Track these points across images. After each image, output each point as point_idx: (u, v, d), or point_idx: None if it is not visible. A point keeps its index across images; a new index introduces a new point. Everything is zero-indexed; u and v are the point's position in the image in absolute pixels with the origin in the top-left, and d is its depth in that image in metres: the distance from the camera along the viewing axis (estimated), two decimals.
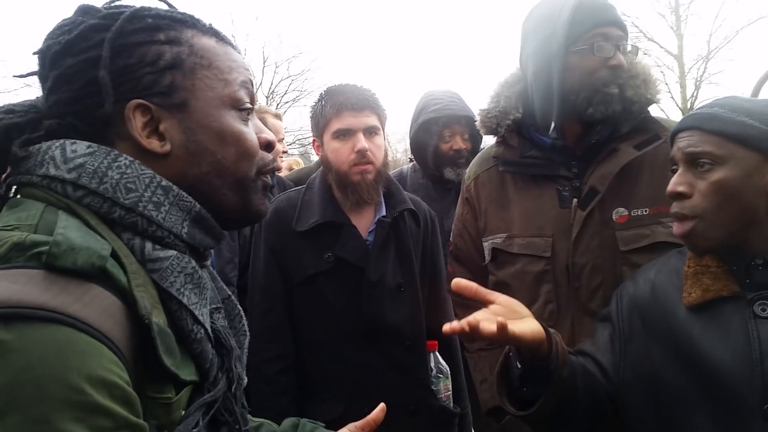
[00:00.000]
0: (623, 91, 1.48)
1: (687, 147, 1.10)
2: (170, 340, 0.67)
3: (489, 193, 1.67)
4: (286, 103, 21.43)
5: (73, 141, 0.71)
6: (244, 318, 0.90)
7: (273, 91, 21.65)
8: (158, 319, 0.66)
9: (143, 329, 0.64)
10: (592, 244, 1.48)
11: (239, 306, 0.90)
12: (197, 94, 0.77)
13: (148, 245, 0.71)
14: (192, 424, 0.69)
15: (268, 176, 0.87)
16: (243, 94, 0.81)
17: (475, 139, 2.62)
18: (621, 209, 1.48)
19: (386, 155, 1.80)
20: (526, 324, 1.06)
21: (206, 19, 0.83)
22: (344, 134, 1.71)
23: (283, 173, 3.73)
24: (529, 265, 1.54)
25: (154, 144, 0.75)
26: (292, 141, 20.61)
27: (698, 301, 1.11)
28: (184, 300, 0.71)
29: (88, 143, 0.71)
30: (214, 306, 0.81)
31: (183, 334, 0.70)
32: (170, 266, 0.71)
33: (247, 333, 0.89)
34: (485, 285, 1.61)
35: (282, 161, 3.08)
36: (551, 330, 1.14)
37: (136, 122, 0.74)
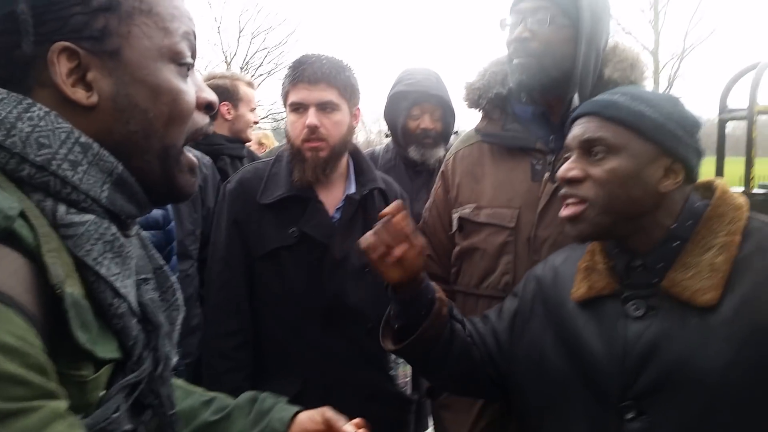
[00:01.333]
0: (540, 60, 1.47)
1: (584, 133, 1.09)
2: (86, 314, 0.60)
3: (465, 167, 1.68)
4: (261, 75, 21.11)
5: None
6: (179, 291, 0.82)
7: (248, 63, 21.28)
8: (73, 289, 0.60)
9: (56, 299, 0.58)
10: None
11: (172, 278, 0.82)
12: (133, 43, 0.68)
13: (62, 208, 0.63)
14: (112, 408, 0.63)
15: (192, 158, 0.78)
16: (184, 47, 0.73)
17: (447, 122, 2.54)
18: None
19: (349, 132, 1.73)
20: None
21: None
22: (298, 108, 1.66)
23: (252, 146, 3.64)
24: (493, 235, 1.55)
25: (79, 94, 0.66)
26: (264, 115, 20.32)
27: (582, 298, 1.14)
28: (102, 271, 0.63)
29: None
30: (142, 277, 0.74)
31: (102, 308, 0.64)
32: (86, 232, 0.63)
33: (181, 308, 0.81)
34: (447, 261, 1.71)
35: (251, 133, 2.99)
36: (430, 285, 1.27)
37: (61, 68, 0.65)
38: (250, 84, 2.99)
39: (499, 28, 1.55)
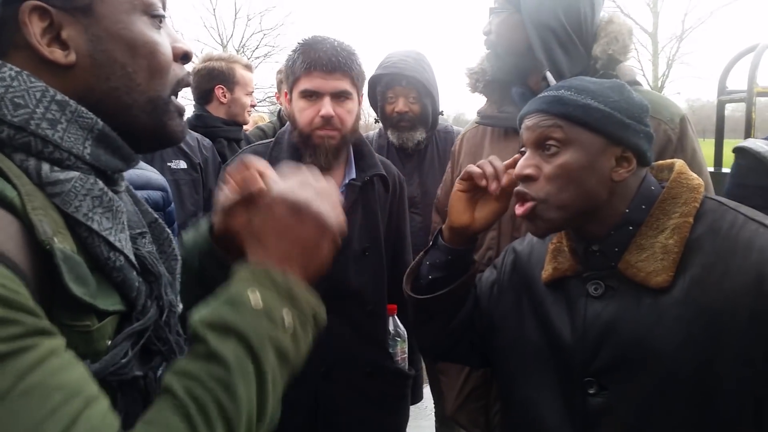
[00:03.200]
0: (495, 50, 1.58)
1: (533, 131, 1.10)
2: (80, 268, 0.60)
3: (469, 147, 1.77)
4: (257, 58, 20.99)
5: None
6: (174, 242, 0.82)
7: (244, 45, 21.13)
8: (64, 244, 0.60)
9: (49, 256, 0.58)
10: None
11: (168, 229, 0.82)
12: None
13: (45, 167, 0.62)
14: (120, 354, 0.64)
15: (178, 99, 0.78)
16: None
17: (423, 103, 2.49)
18: None
19: (357, 120, 1.73)
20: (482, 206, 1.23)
21: None
22: (311, 95, 1.64)
23: (249, 128, 3.64)
24: None
25: (56, 54, 0.65)
26: (262, 98, 20.23)
27: (548, 279, 1.18)
28: (94, 225, 0.63)
29: None
30: (138, 231, 0.74)
31: (99, 263, 0.64)
32: (73, 189, 0.63)
33: (179, 258, 0.81)
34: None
35: (249, 116, 2.98)
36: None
37: (34, 28, 0.64)
38: (247, 67, 2.95)
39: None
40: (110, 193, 0.67)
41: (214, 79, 2.79)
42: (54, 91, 0.65)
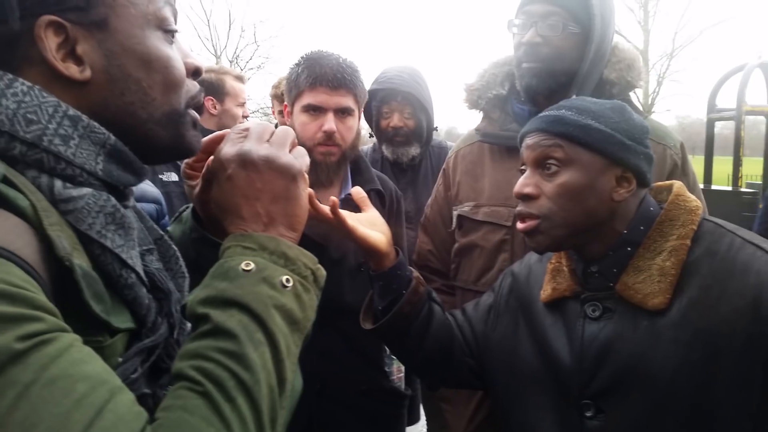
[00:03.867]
0: (551, 66, 1.49)
1: (534, 150, 1.11)
2: (97, 285, 0.60)
3: (466, 165, 1.72)
4: (251, 69, 20.98)
5: None
6: (181, 259, 0.81)
7: (237, 56, 21.16)
8: (80, 261, 0.59)
9: (64, 273, 0.57)
10: None
11: (174, 246, 0.82)
12: (118, 11, 0.67)
13: (58, 183, 0.62)
14: (130, 369, 0.62)
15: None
16: (168, 13, 0.72)
17: (418, 118, 2.49)
18: None
19: (357, 137, 1.72)
20: (370, 231, 1.20)
21: None
22: (314, 110, 1.62)
23: None
24: (490, 233, 1.58)
25: (72, 69, 0.64)
26: (255, 110, 20.21)
27: (547, 299, 1.18)
28: (108, 243, 0.63)
29: None
30: (145, 248, 0.73)
31: (111, 280, 0.63)
32: (86, 206, 0.62)
33: (186, 275, 0.80)
34: (447, 256, 1.74)
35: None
36: (404, 261, 1.29)
37: (49, 43, 0.63)
38: (239, 78, 2.94)
39: (506, 28, 1.56)
40: (122, 210, 0.67)
41: (204, 91, 2.79)
42: (66, 106, 0.64)
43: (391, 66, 2.60)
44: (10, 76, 0.62)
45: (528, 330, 1.21)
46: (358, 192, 1.24)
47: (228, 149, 0.72)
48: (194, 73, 0.77)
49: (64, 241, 0.58)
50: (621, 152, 1.06)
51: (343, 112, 1.63)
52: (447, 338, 1.30)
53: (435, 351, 1.28)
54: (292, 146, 0.77)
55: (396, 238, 1.85)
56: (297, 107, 1.66)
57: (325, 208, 1.10)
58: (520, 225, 1.12)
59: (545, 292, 1.18)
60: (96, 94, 0.67)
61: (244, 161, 0.71)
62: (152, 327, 0.68)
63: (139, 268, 0.67)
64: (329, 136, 1.61)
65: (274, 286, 0.65)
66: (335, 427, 1.64)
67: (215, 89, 2.81)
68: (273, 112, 3.00)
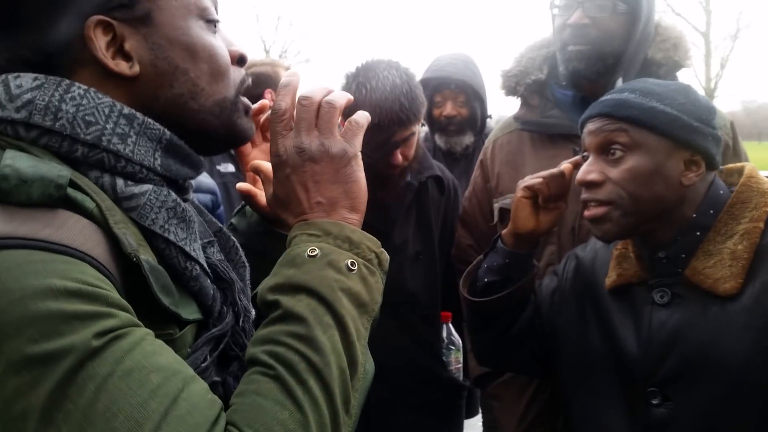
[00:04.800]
0: (600, 48, 1.41)
1: (597, 135, 1.07)
2: (164, 278, 0.61)
3: (505, 155, 1.65)
4: (299, 63, 21.23)
5: (16, 75, 0.62)
6: (240, 250, 0.83)
7: (286, 51, 21.45)
8: (147, 256, 0.61)
9: (132, 269, 0.59)
10: None
11: (233, 238, 0.83)
12: (161, 4, 0.67)
13: (120, 182, 0.63)
14: (200, 358, 0.64)
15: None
16: (208, 2, 0.72)
17: (472, 107, 2.45)
18: None
19: (418, 145, 1.69)
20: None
21: None
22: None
23: None
24: None
25: (122, 66, 0.65)
26: None
27: (612, 286, 1.15)
28: (171, 237, 0.64)
29: (34, 75, 0.62)
30: (206, 240, 0.74)
31: (177, 273, 0.64)
32: (148, 202, 0.64)
33: (246, 265, 0.82)
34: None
35: None
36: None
37: (99, 42, 0.64)
38: (286, 69, 2.97)
39: (548, 9, 1.50)
40: (183, 204, 0.68)
41: (262, 84, 2.81)
42: (121, 105, 0.65)
43: (444, 54, 2.56)
44: (68, 81, 0.63)
45: (594, 316, 1.18)
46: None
47: (282, 147, 0.72)
48: (239, 60, 0.77)
49: (130, 238, 0.59)
50: (688, 134, 1.02)
51: (407, 139, 1.60)
52: (529, 325, 1.28)
53: (517, 337, 1.28)
54: (341, 122, 0.76)
55: (454, 227, 1.83)
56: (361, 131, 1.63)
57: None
58: (586, 212, 1.09)
59: (610, 278, 1.15)
60: (146, 89, 0.67)
61: (302, 158, 0.71)
62: (218, 317, 0.69)
63: (202, 260, 0.68)
64: (396, 166, 1.59)
65: (340, 269, 0.66)
66: (392, 415, 1.65)
67: (272, 81, 2.83)
68: (269, 97, 3.01)
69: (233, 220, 1.04)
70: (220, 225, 0.82)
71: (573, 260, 1.30)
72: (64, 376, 0.50)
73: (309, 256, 0.65)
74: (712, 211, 1.05)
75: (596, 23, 1.40)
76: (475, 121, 2.47)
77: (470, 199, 1.74)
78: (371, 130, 1.56)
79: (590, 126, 1.09)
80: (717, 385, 0.99)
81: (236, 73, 0.75)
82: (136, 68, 0.66)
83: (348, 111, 1.64)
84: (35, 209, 0.55)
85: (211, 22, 0.72)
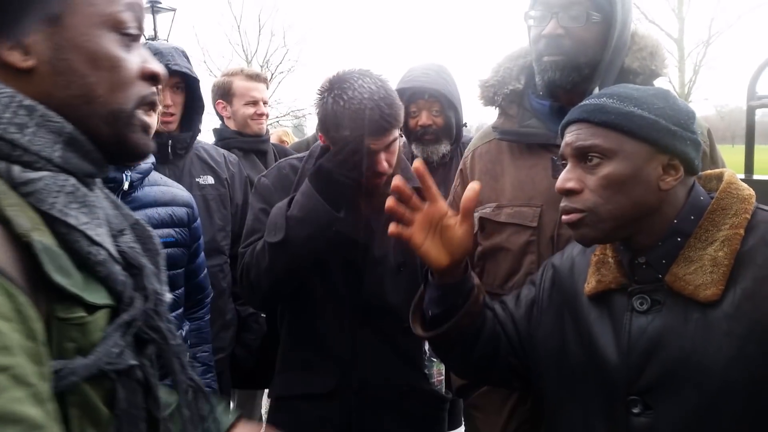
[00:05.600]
0: (574, 58, 1.42)
1: (575, 141, 1.06)
2: (61, 260, 0.62)
3: (484, 165, 1.65)
4: (281, 73, 21.18)
5: None
6: (156, 238, 0.85)
7: (268, 61, 21.38)
8: (42, 238, 0.61)
9: (32, 252, 0.59)
10: None
11: (149, 229, 0.85)
12: (75, 9, 0.69)
13: (16, 168, 0.64)
14: (110, 344, 0.66)
15: (148, 114, 0.79)
16: (128, 17, 0.74)
17: (447, 115, 2.46)
18: None
19: (399, 151, 1.67)
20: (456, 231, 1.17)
21: None
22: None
23: (275, 141, 3.65)
24: (515, 235, 1.52)
25: (14, 56, 0.67)
26: (285, 113, 20.41)
27: (592, 292, 1.14)
28: (71, 221, 0.65)
29: None
30: (118, 229, 0.77)
31: (81, 258, 0.65)
32: (45, 186, 0.65)
33: (161, 252, 0.84)
34: (469, 261, 1.63)
35: (260, 125, 2.92)
36: (471, 271, 1.24)
37: None
38: (251, 76, 2.90)
39: (522, 20, 1.50)
40: (83, 189, 0.69)
41: (215, 96, 2.89)
42: (22, 96, 0.66)
43: (417, 64, 2.57)
44: None
45: (573, 324, 1.17)
46: (418, 167, 1.17)
47: None
48: (150, 77, 0.78)
49: (22, 219, 0.60)
50: (667, 139, 1.02)
51: (388, 146, 1.58)
52: (495, 342, 1.26)
53: (483, 357, 1.26)
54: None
55: None
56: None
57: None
58: (564, 217, 1.09)
59: (589, 284, 1.15)
60: (40, 85, 0.69)
61: None
62: (129, 302, 0.70)
63: (108, 245, 0.70)
64: (381, 174, 1.58)
65: None
66: (374, 428, 1.63)
67: (224, 92, 2.86)
68: (220, 108, 3.00)
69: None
70: (137, 218, 0.84)
71: (550, 269, 1.29)
72: None
73: None
74: (692, 217, 1.05)
75: (570, 33, 1.41)
76: (450, 129, 2.48)
77: (450, 207, 1.74)
78: (352, 141, 1.58)
79: (569, 132, 1.09)
80: (698, 392, 0.99)
81: (141, 88, 0.77)
82: (30, 62, 0.68)
83: (328, 124, 1.64)
84: None
85: (127, 36, 0.74)
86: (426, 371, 1.74)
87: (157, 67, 0.78)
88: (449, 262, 1.16)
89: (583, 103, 1.10)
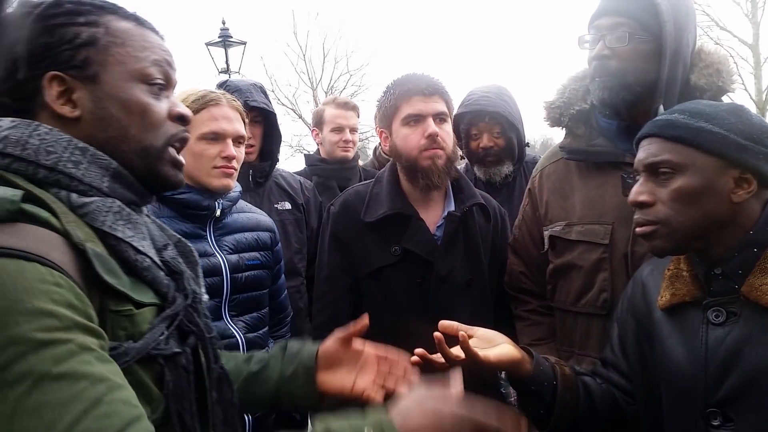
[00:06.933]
0: (622, 78, 1.45)
1: (647, 157, 1.10)
2: (110, 264, 0.78)
3: (552, 184, 1.69)
4: (344, 96, 21.60)
5: None
6: (195, 252, 1.01)
7: (332, 87, 21.88)
8: (94, 247, 0.76)
9: (87, 261, 0.74)
10: None
11: (189, 244, 1.01)
12: (108, 69, 0.87)
13: (74, 195, 0.81)
14: (158, 332, 0.80)
15: (177, 152, 0.94)
16: (154, 71, 0.91)
17: (508, 137, 2.51)
18: None
19: (455, 144, 1.77)
20: (497, 349, 1.14)
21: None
22: (414, 120, 1.69)
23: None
24: (587, 252, 1.55)
25: (65, 109, 0.85)
26: None
27: (665, 306, 1.15)
28: (119, 234, 0.81)
29: (11, 119, 0.82)
30: (162, 244, 0.92)
31: (130, 264, 0.81)
32: (97, 208, 0.81)
33: (199, 262, 1.00)
34: (541, 277, 1.71)
35: (349, 151, 3.04)
36: (539, 356, 1.21)
37: (52, 91, 0.84)
38: (340, 104, 3.05)
39: (578, 45, 1.55)
40: (128, 209, 0.85)
41: (313, 125, 3.02)
42: (77, 140, 0.84)
43: (477, 86, 2.63)
44: (36, 123, 0.82)
45: (648, 344, 1.19)
46: (448, 327, 1.18)
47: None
48: (179, 118, 0.94)
49: (78, 232, 0.75)
50: (737, 153, 1.04)
51: (440, 118, 1.69)
52: (612, 402, 1.26)
53: (610, 419, 1.25)
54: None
55: (504, 255, 1.86)
56: (396, 124, 1.73)
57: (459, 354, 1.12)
58: (638, 229, 1.12)
59: (663, 298, 1.16)
60: (86, 129, 0.86)
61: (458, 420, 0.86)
62: (172, 300, 0.86)
63: (152, 255, 0.85)
64: (433, 139, 1.66)
65: None
66: None
67: (317, 120, 3.02)
68: (314, 135, 3.14)
69: (290, 343, 1.23)
70: (179, 237, 1.00)
71: (625, 299, 1.31)
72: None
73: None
74: None
75: (616, 54, 1.46)
76: (512, 150, 2.53)
77: (520, 228, 1.78)
78: (403, 106, 1.70)
79: (641, 146, 1.13)
80: None
81: (170, 128, 0.93)
82: (77, 112, 0.86)
83: (383, 110, 1.81)
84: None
85: (155, 86, 0.91)
86: (503, 390, 1.76)
87: (183, 109, 0.95)
88: (518, 354, 1.16)
89: (656, 118, 1.14)
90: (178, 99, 0.98)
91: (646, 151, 1.11)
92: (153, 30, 0.94)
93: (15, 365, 0.62)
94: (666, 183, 1.08)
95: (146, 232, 0.88)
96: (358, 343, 1.21)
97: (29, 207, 0.74)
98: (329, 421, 0.82)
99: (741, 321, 1.05)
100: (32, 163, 0.80)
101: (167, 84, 0.94)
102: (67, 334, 0.67)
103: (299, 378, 1.17)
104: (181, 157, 0.96)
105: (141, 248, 0.83)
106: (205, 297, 0.97)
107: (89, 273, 0.74)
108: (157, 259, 0.86)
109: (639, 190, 1.11)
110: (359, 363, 1.21)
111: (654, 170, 1.09)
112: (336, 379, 1.18)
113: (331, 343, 1.20)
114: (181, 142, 0.95)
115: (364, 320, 1.19)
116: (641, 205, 1.10)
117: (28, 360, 0.63)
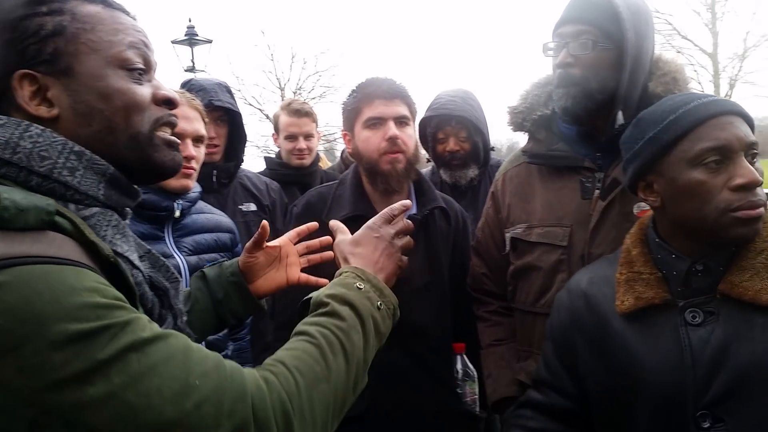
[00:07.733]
0: (584, 86, 1.47)
1: (746, 136, 1.07)
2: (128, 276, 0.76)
3: (515, 187, 1.71)
4: (313, 99, 21.49)
5: None
6: (171, 268, 0.94)
7: (300, 87, 21.76)
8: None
9: (105, 270, 0.72)
10: (610, 235, 1.48)
11: (162, 258, 0.95)
12: (81, 59, 0.80)
13: (71, 207, 0.76)
14: None
15: (169, 132, 0.89)
16: (131, 54, 0.84)
17: (474, 140, 2.53)
18: (642, 203, 1.45)
19: (417, 147, 1.77)
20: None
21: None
22: (375, 123, 1.70)
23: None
24: (546, 254, 1.57)
25: (41, 110, 0.78)
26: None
27: (631, 309, 1.12)
28: (119, 249, 0.78)
29: None
30: (140, 255, 0.87)
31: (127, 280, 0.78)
32: (98, 222, 0.78)
33: (178, 279, 0.94)
34: (502, 278, 1.72)
35: (303, 158, 2.98)
36: None
37: (23, 91, 0.77)
38: (291, 112, 2.94)
39: (542, 52, 1.57)
40: (122, 222, 0.82)
41: (273, 129, 3.01)
42: (72, 143, 0.77)
43: (444, 91, 2.64)
44: (27, 122, 0.75)
45: (606, 358, 1.17)
46: (334, 223, 1.19)
47: (372, 233, 1.10)
48: (165, 101, 0.88)
49: (104, 245, 0.73)
50: None
51: (401, 122, 1.70)
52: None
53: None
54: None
55: (464, 258, 1.88)
56: (358, 127, 1.74)
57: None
58: (753, 212, 1.05)
59: (624, 303, 1.14)
60: (67, 128, 0.79)
61: (384, 238, 1.09)
62: (158, 319, 0.83)
63: (144, 269, 0.83)
64: (393, 142, 1.67)
65: (373, 304, 0.94)
66: None
67: (275, 125, 3.04)
68: (274, 138, 3.12)
69: (205, 269, 1.26)
70: (149, 247, 0.94)
71: (563, 312, 1.29)
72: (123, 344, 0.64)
73: (357, 287, 0.94)
74: None
75: (579, 62, 1.47)
76: (477, 154, 2.55)
77: (483, 230, 1.81)
78: (365, 109, 1.71)
79: (733, 125, 1.06)
80: None
81: (155, 112, 0.87)
82: (55, 111, 0.78)
83: (347, 112, 1.81)
84: (31, 233, 0.67)
85: (134, 70, 0.84)
86: (458, 390, 1.75)
87: (168, 93, 0.88)
88: None
89: (725, 99, 1.14)
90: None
91: (743, 131, 1.06)
92: (123, 11, 0.86)
93: (110, 346, 0.63)
94: (755, 165, 1.09)
95: (134, 244, 0.84)
96: (271, 243, 1.28)
97: (60, 219, 0.70)
98: (334, 304, 0.89)
99: (722, 319, 1.05)
100: (24, 169, 0.73)
101: (147, 67, 0.87)
102: (135, 313, 0.68)
103: (234, 295, 1.24)
104: (174, 138, 0.90)
105: (135, 262, 0.80)
106: (185, 316, 0.94)
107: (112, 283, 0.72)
108: (146, 273, 0.83)
109: (751, 169, 1.05)
110: (282, 258, 1.30)
111: (748, 150, 1.07)
112: (268, 282, 1.27)
113: (245, 254, 1.26)
114: (168, 125, 0.89)
115: (265, 225, 1.26)
116: (755, 185, 1.04)
117: (119, 338, 0.64)
